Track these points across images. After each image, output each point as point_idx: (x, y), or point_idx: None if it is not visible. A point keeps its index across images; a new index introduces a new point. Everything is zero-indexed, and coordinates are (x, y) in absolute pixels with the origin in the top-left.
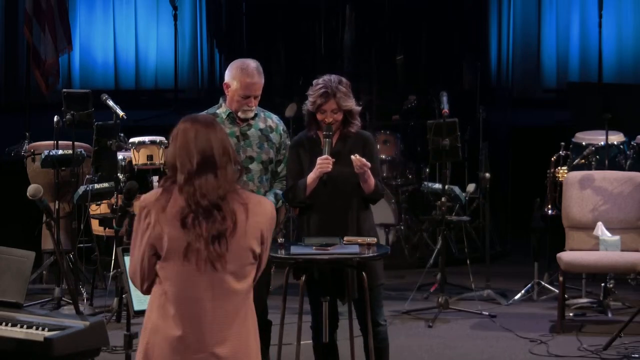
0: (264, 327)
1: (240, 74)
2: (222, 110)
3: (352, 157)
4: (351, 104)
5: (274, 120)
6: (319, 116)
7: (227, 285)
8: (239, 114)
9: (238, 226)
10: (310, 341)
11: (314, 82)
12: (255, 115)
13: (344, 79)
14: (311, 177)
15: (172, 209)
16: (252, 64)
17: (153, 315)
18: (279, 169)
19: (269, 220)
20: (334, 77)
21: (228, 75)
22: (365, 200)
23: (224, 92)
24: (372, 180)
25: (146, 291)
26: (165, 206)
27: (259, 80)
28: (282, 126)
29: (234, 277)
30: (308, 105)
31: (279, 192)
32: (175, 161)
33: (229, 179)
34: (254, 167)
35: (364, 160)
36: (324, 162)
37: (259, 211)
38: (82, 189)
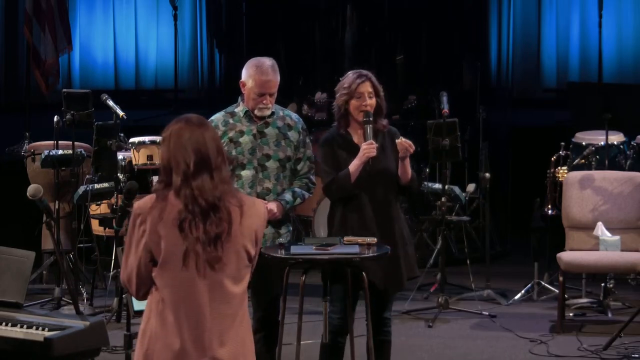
0: (274, 327)
1: (255, 72)
2: (239, 108)
3: (397, 140)
4: (383, 93)
5: (292, 118)
6: (355, 102)
7: (225, 289)
8: (255, 112)
9: (233, 228)
10: (310, 341)
11: (343, 78)
12: (273, 113)
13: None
14: (355, 164)
15: (170, 215)
16: (267, 62)
17: (152, 323)
18: (298, 167)
19: (263, 222)
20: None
21: (244, 74)
22: (400, 193)
23: (241, 90)
24: (409, 168)
25: (142, 297)
26: (162, 213)
27: (274, 77)
28: (301, 124)
29: (232, 280)
30: (339, 98)
31: (298, 190)
32: (170, 163)
33: (225, 179)
34: (271, 164)
35: (409, 142)
36: (369, 147)
37: (253, 212)
38: (82, 189)
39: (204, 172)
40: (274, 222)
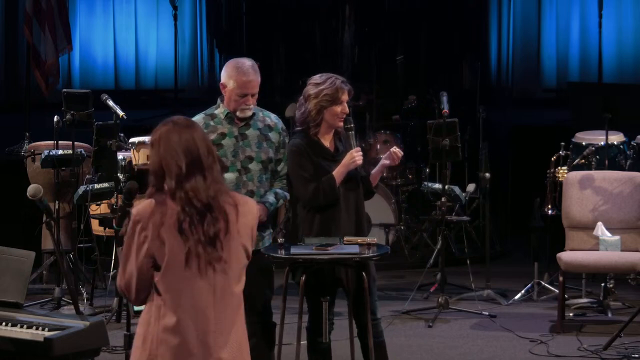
0: (269, 329)
1: (236, 73)
2: (219, 110)
3: (393, 149)
4: None
5: (272, 119)
6: (336, 109)
7: (227, 289)
8: (237, 113)
9: (230, 226)
10: None
11: (315, 79)
12: (254, 114)
13: None
14: (340, 171)
15: (171, 219)
16: (247, 62)
17: (153, 328)
18: (278, 168)
19: (256, 219)
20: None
21: (224, 75)
22: (365, 196)
23: (221, 92)
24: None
25: (141, 302)
26: (164, 217)
27: (255, 78)
28: (280, 125)
29: (234, 279)
30: (318, 104)
31: (279, 191)
32: (161, 167)
33: (217, 178)
34: (253, 166)
35: (402, 153)
36: (359, 154)
37: (247, 210)
38: (82, 189)
39: (196, 173)
40: (259, 226)
